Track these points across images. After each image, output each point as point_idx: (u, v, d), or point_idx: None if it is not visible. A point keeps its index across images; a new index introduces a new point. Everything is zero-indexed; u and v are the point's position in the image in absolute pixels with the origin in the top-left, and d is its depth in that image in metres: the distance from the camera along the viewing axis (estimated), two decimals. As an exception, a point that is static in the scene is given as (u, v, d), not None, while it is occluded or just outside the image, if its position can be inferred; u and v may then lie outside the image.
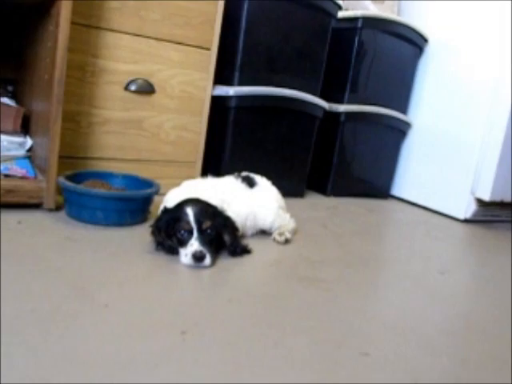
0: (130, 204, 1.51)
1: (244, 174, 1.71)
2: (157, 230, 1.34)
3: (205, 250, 1.27)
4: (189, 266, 1.27)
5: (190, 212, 1.30)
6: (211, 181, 1.62)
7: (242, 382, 0.81)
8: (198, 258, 1.26)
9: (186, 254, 1.27)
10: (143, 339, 0.89)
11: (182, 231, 1.30)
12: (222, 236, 1.38)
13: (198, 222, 1.29)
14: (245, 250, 1.42)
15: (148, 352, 0.84)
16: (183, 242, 1.29)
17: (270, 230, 1.64)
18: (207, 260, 1.27)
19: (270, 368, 0.86)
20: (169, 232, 1.32)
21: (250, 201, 1.60)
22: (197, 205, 1.33)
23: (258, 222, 1.62)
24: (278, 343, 0.95)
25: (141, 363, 0.81)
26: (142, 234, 1.45)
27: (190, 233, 1.29)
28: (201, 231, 1.29)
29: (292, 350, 0.94)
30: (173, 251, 1.33)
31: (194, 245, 1.27)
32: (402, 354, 1.00)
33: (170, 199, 1.44)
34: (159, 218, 1.37)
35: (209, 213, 1.34)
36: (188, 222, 1.29)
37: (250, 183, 1.66)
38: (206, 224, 1.30)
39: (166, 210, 1.37)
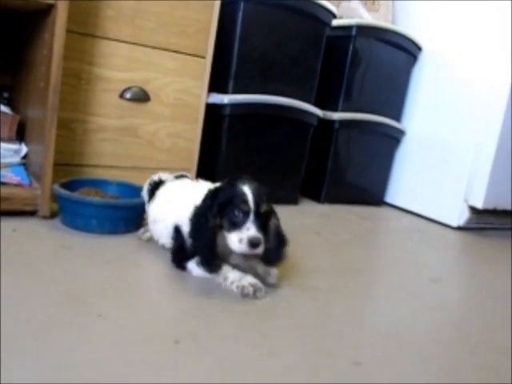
0: (124, 212, 1.52)
1: (176, 174, 1.60)
2: (209, 212, 1.20)
3: (261, 237, 1.16)
4: (239, 253, 1.19)
5: (248, 192, 1.18)
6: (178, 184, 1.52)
7: (234, 392, 0.82)
8: (253, 244, 1.14)
9: (240, 238, 1.16)
10: (137, 348, 0.89)
11: (237, 212, 1.17)
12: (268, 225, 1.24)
13: (257, 204, 1.17)
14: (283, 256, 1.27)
15: (141, 361, 0.85)
16: (236, 225, 1.17)
17: None
18: (260, 248, 1.16)
19: (262, 377, 0.87)
20: (220, 213, 1.20)
21: None
22: (254, 185, 1.21)
23: None
24: (270, 352, 0.96)
25: (134, 372, 0.81)
26: (136, 241, 1.46)
27: (247, 215, 1.16)
28: (258, 215, 1.17)
29: (284, 359, 0.95)
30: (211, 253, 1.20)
31: (251, 229, 1.15)
32: (393, 362, 1.01)
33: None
34: (206, 200, 1.22)
35: (265, 197, 1.22)
36: (246, 202, 1.17)
37: (188, 178, 1.60)
38: (264, 208, 1.19)
39: (214, 191, 1.24)
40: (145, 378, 0.81)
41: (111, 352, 0.87)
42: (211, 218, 1.20)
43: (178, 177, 1.58)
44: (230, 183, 1.23)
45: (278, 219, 1.29)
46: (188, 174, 1.65)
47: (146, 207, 1.51)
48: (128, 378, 0.80)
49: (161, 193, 1.47)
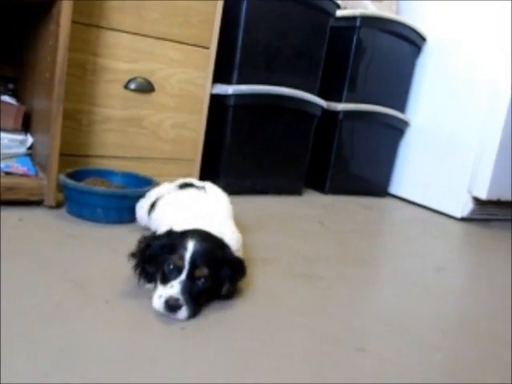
0: (129, 201, 1.53)
1: (181, 181, 1.49)
2: (143, 253, 1.07)
3: (183, 300, 0.97)
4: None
5: (190, 247, 1.02)
6: (185, 197, 1.39)
7: (239, 377, 0.83)
8: (170, 306, 0.97)
9: (160, 295, 0.99)
10: (143, 334, 0.91)
11: (171, 265, 1.01)
12: (222, 285, 1.09)
13: (193, 264, 1.01)
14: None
15: (148, 347, 0.86)
16: (166, 279, 1.01)
17: None
18: (182, 312, 0.97)
19: (266, 363, 0.88)
20: (158, 259, 1.05)
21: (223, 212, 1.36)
22: (204, 243, 1.05)
23: None
24: (274, 339, 0.97)
25: (141, 358, 0.83)
26: (142, 231, 1.47)
27: (179, 272, 1.01)
28: (191, 276, 1.00)
29: (288, 345, 0.96)
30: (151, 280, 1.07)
31: (174, 288, 0.98)
32: (396, 350, 1.02)
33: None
34: (155, 238, 1.11)
35: (213, 258, 1.05)
36: (182, 258, 1.01)
37: (200, 189, 1.44)
38: (201, 272, 1.02)
39: (170, 232, 1.10)
40: (152, 362, 0.82)
41: (118, 338, 0.88)
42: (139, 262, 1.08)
43: (182, 186, 1.46)
44: (181, 232, 1.09)
45: (233, 286, 1.10)
46: (194, 181, 1.50)
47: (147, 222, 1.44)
48: (135, 363, 0.81)
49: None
